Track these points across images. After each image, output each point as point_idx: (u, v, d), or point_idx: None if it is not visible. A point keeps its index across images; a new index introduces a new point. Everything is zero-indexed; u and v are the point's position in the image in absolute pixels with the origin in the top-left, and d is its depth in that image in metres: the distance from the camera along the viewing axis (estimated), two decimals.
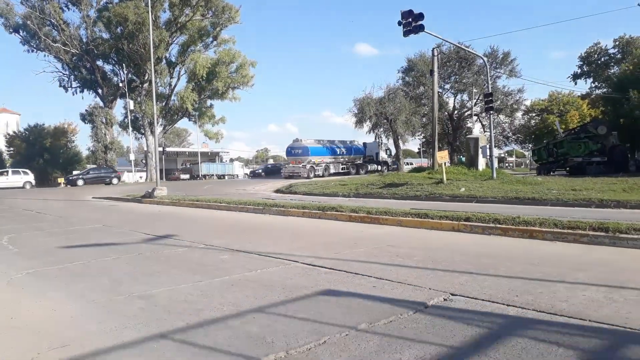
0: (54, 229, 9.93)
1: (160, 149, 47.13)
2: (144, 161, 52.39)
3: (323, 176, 36.10)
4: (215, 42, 46.65)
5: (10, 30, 42.83)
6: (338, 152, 40.40)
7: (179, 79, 47.60)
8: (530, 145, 54.18)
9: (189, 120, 50.63)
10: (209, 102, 49.15)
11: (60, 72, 46.06)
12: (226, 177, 58.20)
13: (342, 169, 39.88)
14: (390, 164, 42.97)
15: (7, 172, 38.34)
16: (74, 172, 41.64)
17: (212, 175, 58.48)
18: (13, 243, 7.92)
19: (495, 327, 3.27)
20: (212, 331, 3.31)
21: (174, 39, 44.85)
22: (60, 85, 46.33)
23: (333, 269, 5.23)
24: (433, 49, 25.36)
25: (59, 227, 10.13)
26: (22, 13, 42.10)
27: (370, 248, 6.60)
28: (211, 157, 69.49)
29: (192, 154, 68.57)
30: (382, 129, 40.99)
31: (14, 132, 51.45)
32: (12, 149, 49.27)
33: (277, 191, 21.27)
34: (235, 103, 48.43)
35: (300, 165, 36.46)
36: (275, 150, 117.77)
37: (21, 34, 43.23)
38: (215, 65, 44.54)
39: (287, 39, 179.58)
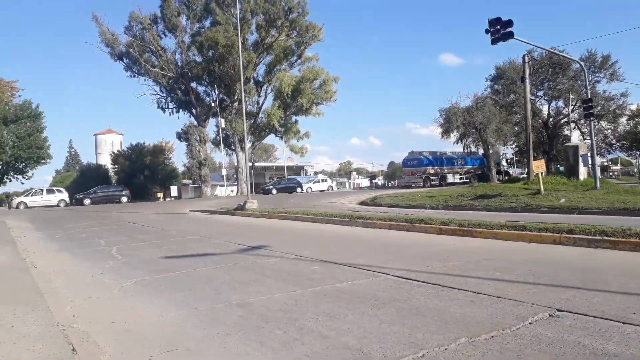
0: (156, 240, 10.63)
1: (250, 164, 49.05)
2: (234, 176, 54.84)
3: (440, 185, 37.95)
4: (299, 61, 48.02)
5: (115, 58, 47.03)
6: (456, 163, 42.08)
7: (265, 97, 49.54)
8: (639, 152, 49.68)
9: (276, 136, 52.35)
10: (294, 118, 50.54)
11: (159, 94, 49.73)
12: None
13: (460, 179, 40.69)
14: (511, 174, 42.99)
15: (42, 190, 41.26)
16: (80, 193, 41.54)
17: None
18: (121, 253, 8.58)
19: (611, 347, 2.99)
20: (308, 341, 3.36)
21: (261, 59, 46.79)
22: (158, 107, 50.02)
23: (426, 282, 5.10)
24: (524, 55, 24.22)
25: (160, 239, 10.83)
26: (125, 42, 46.10)
27: (464, 261, 6.36)
28: (296, 170, 71.15)
29: (278, 168, 70.69)
30: (470, 139, 39.79)
31: (118, 151, 56.27)
32: (116, 166, 53.80)
33: (362, 203, 21.26)
34: (319, 118, 49.33)
35: (416, 176, 38.56)
36: (358, 163, 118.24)
37: (124, 61, 47.30)
38: (299, 83, 45.81)
39: (369, 52, 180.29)
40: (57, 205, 38.30)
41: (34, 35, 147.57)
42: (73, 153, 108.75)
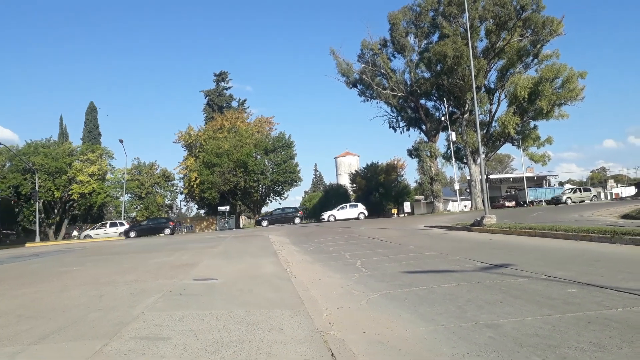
0: (395, 255, 10.95)
1: (484, 176, 47.11)
2: (467, 190, 53.34)
3: None
4: (535, 60, 44.28)
5: (350, 85, 51.17)
6: None
7: (498, 104, 47.08)
8: None
9: (512, 145, 49.05)
10: (532, 123, 46.60)
11: (389, 114, 52.13)
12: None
13: None
14: None
15: (106, 224, 44.21)
16: (126, 224, 43.41)
17: (540, 201, 54.58)
18: (365, 266, 9.08)
19: None
20: None
21: (492, 65, 44.78)
22: (389, 127, 52.45)
23: None
24: None
25: (399, 254, 11.12)
26: (358, 70, 49.78)
27: None
28: (537, 181, 65.23)
29: (516, 179, 65.96)
30: None
31: (355, 171, 60.76)
32: (354, 185, 58.00)
33: (626, 217, 18.12)
34: (563, 121, 44.20)
35: None
36: (615, 168, 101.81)
37: (358, 87, 51.06)
38: (537, 84, 42.08)
39: (619, 39, 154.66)
40: (357, 218, 42.75)
41: (282, 75, 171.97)
42: (318, 175, 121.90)
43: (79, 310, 6.03)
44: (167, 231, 40.37)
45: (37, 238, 39.86)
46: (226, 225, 46.85)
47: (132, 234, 39.42)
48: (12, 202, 45.31)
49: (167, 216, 51.81)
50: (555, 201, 43.34)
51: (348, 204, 46.97)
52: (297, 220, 42.98)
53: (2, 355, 4.02)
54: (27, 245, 34.29)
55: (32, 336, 4.68)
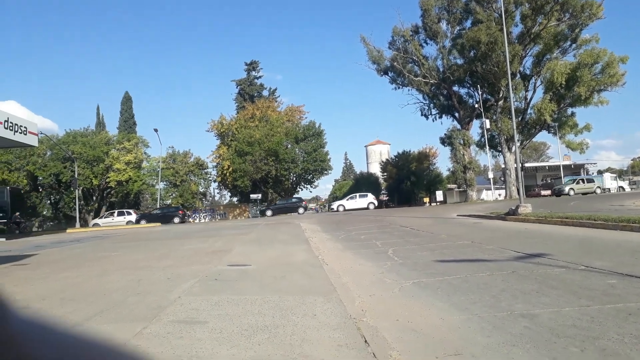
0: (427, 243, 10.87)
1: (519, 164, 46.09)
2: (502, 178, 52.28)
3: None
4: (574, 45, 42.72)
5: (381, 73, 50.61)
6: None
7: (534, 91, 45.72)
8: None
9: (548, 133, 47.67)
10: (569, 110, 45.16)
11: (421, 102, 51.35)
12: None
13: None
14: None
15: (114, 213, 44.71)
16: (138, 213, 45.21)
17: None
18: (397, 255, 9.06)
19: None
20: None
21: (527, 51, 43.49)
22: (421, 114, 51.67)
23: None
24: None
25: (431, 242, 11.04)
26: (389, 57, 49.16)
27: None
28: (575, 170, 63.31)
29: (552, 168, 64.24)
30: None
31: (386, 160, 60.26)
32: (385, 173, 57.62)
33: None
34: (602, 107, 42.63)
35: None
36: None
37: (389, 75, 50.46)
38: (575, 70, 40.63)
39: None
40: (367, 208, 42.81)
41: (313, 63, 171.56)
42: (348, 164, 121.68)
43: (119, 294, 6.25)
44: (176, 219, 41.31)
45: (77, 224, 41.30)
46: (258, 212, 47.54)
47: (143, 222, 40.72)
48: (22, 191, 47.01)
49: (194, 204, 52.87)
50: (557, 192, 41.85)
51: (357, 194, 47.44)
52: (300, 210, 43.57)
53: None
54: (68, 231, 35.58)
55: (75, 318, 4.88)
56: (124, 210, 45.62)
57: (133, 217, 43.07)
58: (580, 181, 44.82)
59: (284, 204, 45.81)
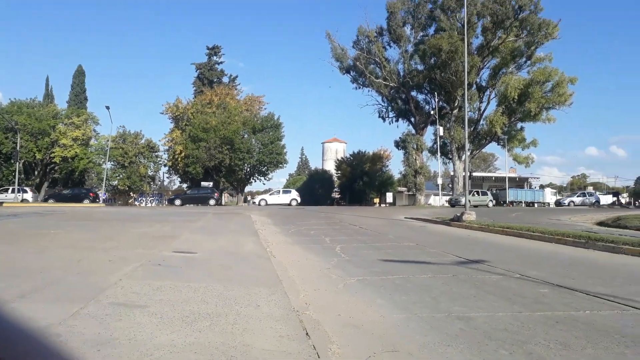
0: (374, 243, 11.09)
1: (468, 173, 47.59)
2: (450, 185, 53.87)
3: None
4: (528, 62, 44.52)
5: (344, 71, 50.84)
6: None
7: (488, 103, 47.35)
8: None
9: (498, 144, 49.48)
10: (519, 125, 47.11)
11: (380, 104, 51.97)
12: (535, 204, 54.21)
13: None
14: None
15: (279, 191, 45.78)
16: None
17: (520, 202, 55.41)
18: (344, 252, 9.20)
19: None
20: None
21: (485, 63, 44.92)
22: (379, 116, 52.31)
23: None
24: None
25: (378, 242, 11.27)
26: (353, 56, 49.44)
27: None
28: (519, 182, 66.06)
29: (498, 179, 66.73)
30: None
31: (342, 158, 60.79)
32: (339, 172, 58.08)
33: (600, 224, 18.60)
34: (549, 125, 44.72)
35: None
36: (595, 176, 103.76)
37: (351, 74, 50.75)
38: (527, 86, 42.39)
39: (612, 48, 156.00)
40: (289, 204, 42.66)
41: (276, 54, 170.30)
42: (304, 159, 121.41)
43: (57, 272, 6.02)
44: (86, 201, 41.81)
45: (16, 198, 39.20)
46: (165, 201, 47.02)
47: (51, 200, 40.92)
48: None
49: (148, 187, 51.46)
50: (454, 203, 41.61)
51: (281, 189, 48.78)
52: (211, 202, 41.97)
53: None
54: (5, 205, 33.72)
55: (9, 294, 4.66)
56: (20, 187, 41.68)
57: (30, 195, 42.03)
58: (475, 193, 45.38)
59: (195, 194, 44.00)
